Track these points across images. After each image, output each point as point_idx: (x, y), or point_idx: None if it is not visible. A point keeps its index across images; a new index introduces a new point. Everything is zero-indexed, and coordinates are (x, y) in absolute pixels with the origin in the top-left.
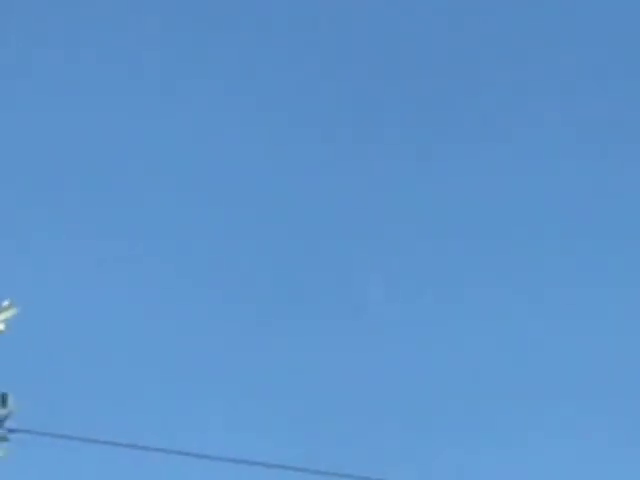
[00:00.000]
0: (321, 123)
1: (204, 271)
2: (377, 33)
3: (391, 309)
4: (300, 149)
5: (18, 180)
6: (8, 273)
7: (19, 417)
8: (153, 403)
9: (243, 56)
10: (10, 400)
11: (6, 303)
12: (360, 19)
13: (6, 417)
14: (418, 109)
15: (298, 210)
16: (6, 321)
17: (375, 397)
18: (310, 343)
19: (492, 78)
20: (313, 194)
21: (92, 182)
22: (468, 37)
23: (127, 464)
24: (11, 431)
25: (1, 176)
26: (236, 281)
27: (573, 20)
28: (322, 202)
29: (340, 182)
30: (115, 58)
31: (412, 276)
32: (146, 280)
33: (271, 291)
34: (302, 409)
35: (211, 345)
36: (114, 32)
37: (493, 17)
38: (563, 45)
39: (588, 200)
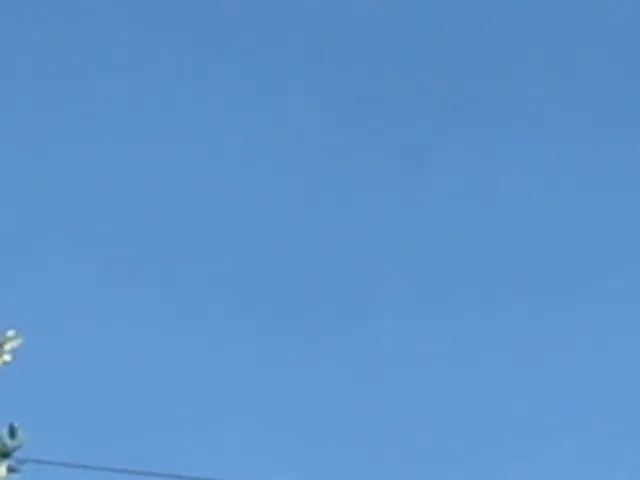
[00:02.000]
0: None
1: (213, 291)
2: (378, 31)
3: (403, 335)
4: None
5: (19, 203)
6: (12, 302)
7: (29, 448)
8: (165, 428)
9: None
10: (19, 431)
11: (11, 333)
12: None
13: (16, 448)
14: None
15: (309, 230)
16: (12, 351)
17: (388, 421)
18: (324, 365)
19: (493, 88)
20: (323, 214)
21: (99, 209)
22: (467, 48)
23: None
24: (21, 462)
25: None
26: (246, 299)
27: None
28: (332, 223)
29: (351, 205)
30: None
31: (422, 300)
32: (154, 307)
33: (284, 314)
34: (316, 431)
35: (225, 367)
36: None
37: (494, 30)
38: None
39: (591, 210)
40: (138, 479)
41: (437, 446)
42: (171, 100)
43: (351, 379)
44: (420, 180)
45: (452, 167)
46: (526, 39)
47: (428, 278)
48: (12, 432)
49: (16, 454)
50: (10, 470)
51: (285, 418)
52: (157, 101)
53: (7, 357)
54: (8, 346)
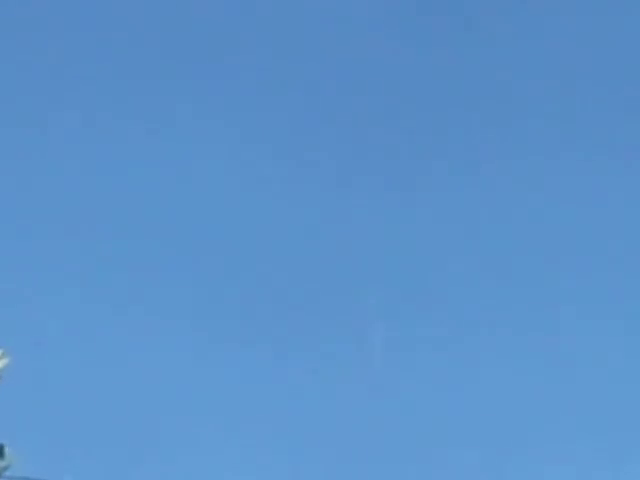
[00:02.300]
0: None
1: (202, 311)
2: (367, 64)
3: (392, 357)
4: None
5: (5, 221)
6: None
7: (17, 468)
8: (157, 448)
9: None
10: (7, 451)
11: None
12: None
13: (4, 469)
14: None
15: (298, 252)
16: (0, 370)
17: (393, 435)
18: (313, 387)
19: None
20: (313, 233)
21: (90, 224)
22: (459, 73)
23: None
24: None
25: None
26: (233, 321)
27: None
28: (322, 243)
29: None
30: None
31: (412, 324)
32: (146, 326)
33: (269, 335)
34: (320, 445)
35: (227, 381)
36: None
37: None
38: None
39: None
40: None
41: (436, 460)
42: (163, 104)
43: (352, 392)
44: (407, 196)
45: (438, 182)
46: (508, 59)
47: (426, 290)
48: (1, 452)
49: (4, 475)
50: None
51: (285, 431)
52: (150, 105)
53: None
54: None
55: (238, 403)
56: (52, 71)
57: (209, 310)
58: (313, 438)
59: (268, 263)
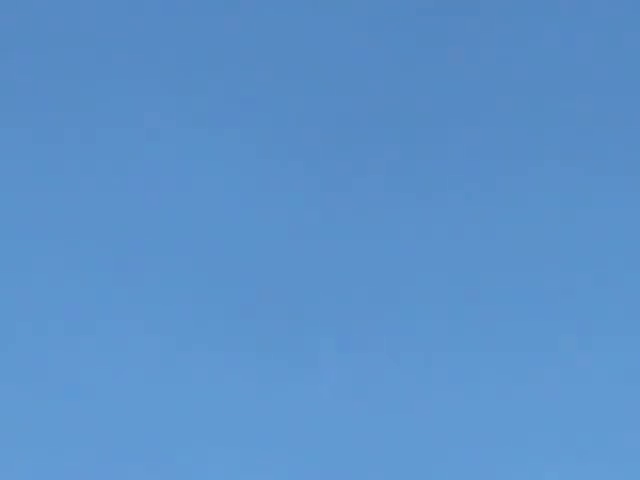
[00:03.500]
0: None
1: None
2: (366, 71)
3: (343, 372)
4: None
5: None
6: None
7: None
8: (156, 448)
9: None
10: None
11: None
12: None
13: None
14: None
15: (251, 266)
16: None
17: (393, 447)
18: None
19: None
20: (272, 249)
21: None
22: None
23: None
24: None
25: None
26: (196, 333)
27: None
28: (277, 260)
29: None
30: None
31: (365, 339)
32: (145, 326)
33: (221, 344)
34: (320, 457)
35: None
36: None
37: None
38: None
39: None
40: None
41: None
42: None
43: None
44: (407, 195)
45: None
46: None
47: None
48: None
49: None
50: None
51: (282, 445)
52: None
53: None
54: None
55: (237, 405)
56: (51, 71)
57: (207, 310)
58: (320, 450)
59: (265, 265)
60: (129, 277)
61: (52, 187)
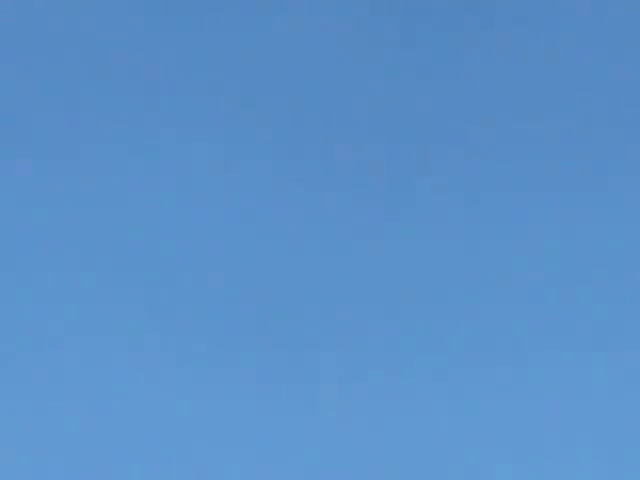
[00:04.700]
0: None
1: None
2: (366, 62)
3: (344, 388)
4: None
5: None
6: None
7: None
8: (155, 450)
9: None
10: None
11: None
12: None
13: None
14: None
15: (256, 282)
16: None
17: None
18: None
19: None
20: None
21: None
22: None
23: None
24: None
25: None
26: (197, 342)
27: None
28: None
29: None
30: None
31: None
32: (143, 326)
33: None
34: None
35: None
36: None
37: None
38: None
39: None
40: None
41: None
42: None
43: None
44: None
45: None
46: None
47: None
48: None
49: None
50: None
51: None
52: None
53: None
54: None
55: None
56: (49, 71)
57: (207, 317)
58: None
59: (266, 271)
60: (130, 283)
61: (52, 187)
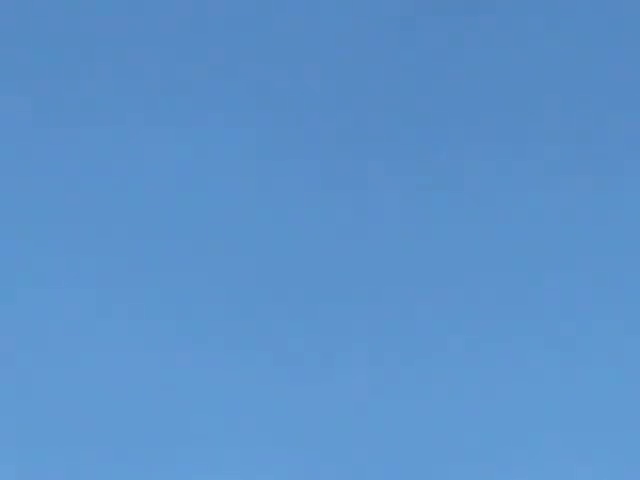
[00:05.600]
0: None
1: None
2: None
3: (365, 375)
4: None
5: None
6: None
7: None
8: (154, 450)
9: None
10: None
11: None
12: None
13: None
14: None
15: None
16: None
17: (398, 450)
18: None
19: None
20: (293, 261)
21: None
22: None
23: None
24: None
25: None
26: (205, 334)
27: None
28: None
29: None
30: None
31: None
32: (142, 326)
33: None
34: (322, 453)
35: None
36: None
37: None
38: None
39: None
40: None
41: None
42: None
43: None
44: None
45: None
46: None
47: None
48: None
49: None
50: None
51: (288, 439)
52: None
53: None
54: None
55: (237, 406)
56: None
57: (207, 310)
58: (322, 446)
59: (277, 264)
60: (132, 281)
61: (52, 187)
